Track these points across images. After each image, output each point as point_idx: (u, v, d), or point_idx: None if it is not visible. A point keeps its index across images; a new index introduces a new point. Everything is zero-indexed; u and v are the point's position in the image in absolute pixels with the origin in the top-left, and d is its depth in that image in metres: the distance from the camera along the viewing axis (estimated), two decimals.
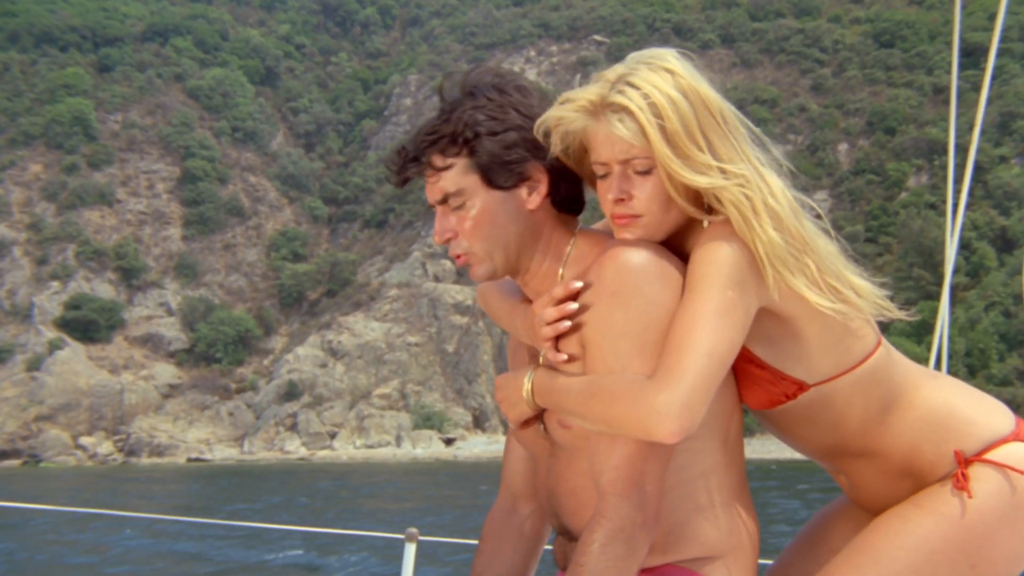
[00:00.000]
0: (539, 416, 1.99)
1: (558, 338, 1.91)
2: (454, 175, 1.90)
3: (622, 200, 1.84)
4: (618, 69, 1.85)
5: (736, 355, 1.80)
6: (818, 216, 1.90)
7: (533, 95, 1.95)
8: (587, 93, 1.84)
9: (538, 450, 2.07)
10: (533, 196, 1.93)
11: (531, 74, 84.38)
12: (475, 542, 2.25)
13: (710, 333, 1.74)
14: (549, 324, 1.87)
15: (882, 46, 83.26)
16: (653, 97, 1.78)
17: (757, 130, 1.87)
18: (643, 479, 1.80)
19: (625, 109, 1.79)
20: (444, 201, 1.92)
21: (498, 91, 1.92)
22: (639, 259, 1.81)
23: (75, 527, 24.35)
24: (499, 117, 1.89)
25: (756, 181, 1.80)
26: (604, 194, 1.86)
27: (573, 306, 1.85)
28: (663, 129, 1.78)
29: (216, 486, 41.46)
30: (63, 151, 79.02)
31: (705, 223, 1.86)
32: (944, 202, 66.04)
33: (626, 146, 1.81)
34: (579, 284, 1.85)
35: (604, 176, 1.86)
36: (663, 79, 1.80)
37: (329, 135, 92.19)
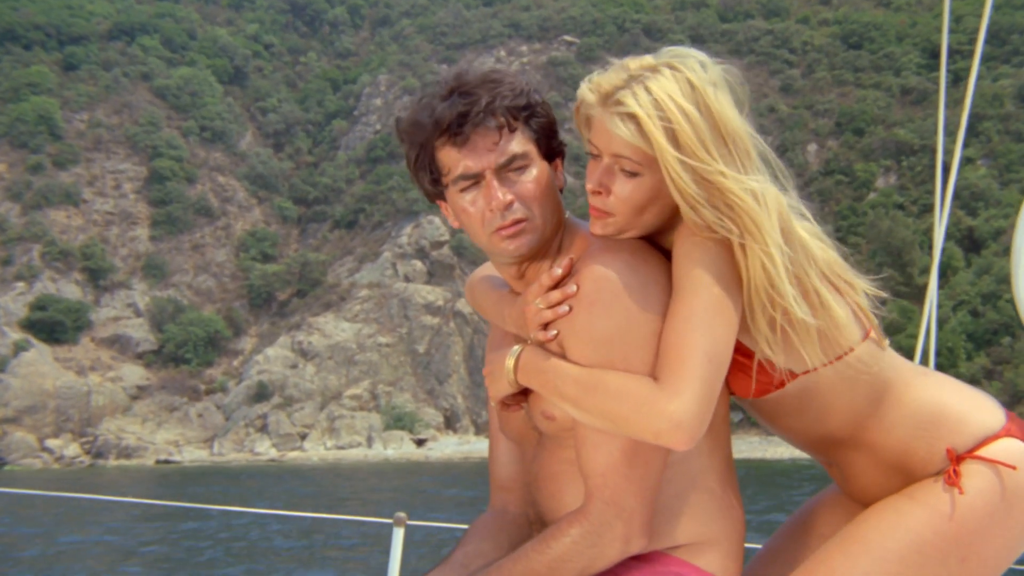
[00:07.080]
0: (520, 402, 1.98)
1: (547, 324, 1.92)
2: (520, 137, 1.89)
3: (599, 193, 1.86)
4: (646, 61, 1.84)
5: (732, 351, 1.82)
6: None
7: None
8: (605, 81, 1.85)
9: (525, 439, 2.06)
10: (559, 174, 1.97)
11: None
12: (463, 526, 2.19)
13: (705, 334, 1.76)
14: (551, 307, 1.87)
15: (850, 47, 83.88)
16: (664, 105, 1.78)
17: (773, 157, 1.88)
18: (634, 486, 1.80)
19: (631, 113, 1.80)
20: (507, 164, 1.89)
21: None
22: (615, 270, 1.83)
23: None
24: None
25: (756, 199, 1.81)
26: (590, 175, 1.89)
27: (573, 288, 1.85)
28: (670, 132, 1.78)
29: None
30: (28, 150, 78.04)
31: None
32: (913, 203, 66.77)
33: (621, 145, 1.82)
34: (558, 271, 1.88)
35: (596, 157, 1.88)
36: (681, 89, 1.80)
37: (298, 135, 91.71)
